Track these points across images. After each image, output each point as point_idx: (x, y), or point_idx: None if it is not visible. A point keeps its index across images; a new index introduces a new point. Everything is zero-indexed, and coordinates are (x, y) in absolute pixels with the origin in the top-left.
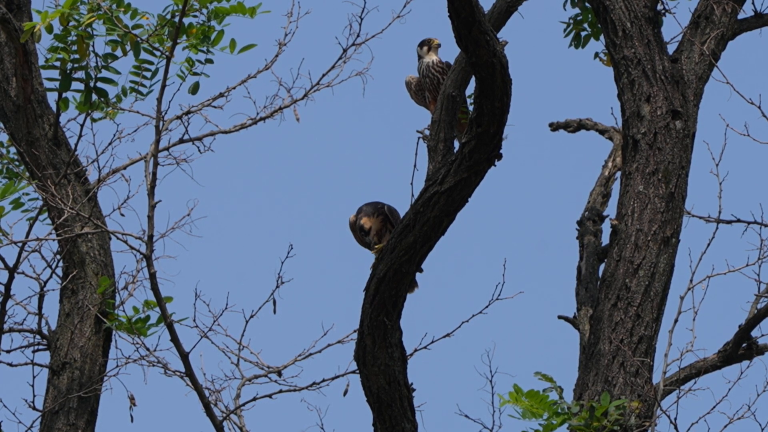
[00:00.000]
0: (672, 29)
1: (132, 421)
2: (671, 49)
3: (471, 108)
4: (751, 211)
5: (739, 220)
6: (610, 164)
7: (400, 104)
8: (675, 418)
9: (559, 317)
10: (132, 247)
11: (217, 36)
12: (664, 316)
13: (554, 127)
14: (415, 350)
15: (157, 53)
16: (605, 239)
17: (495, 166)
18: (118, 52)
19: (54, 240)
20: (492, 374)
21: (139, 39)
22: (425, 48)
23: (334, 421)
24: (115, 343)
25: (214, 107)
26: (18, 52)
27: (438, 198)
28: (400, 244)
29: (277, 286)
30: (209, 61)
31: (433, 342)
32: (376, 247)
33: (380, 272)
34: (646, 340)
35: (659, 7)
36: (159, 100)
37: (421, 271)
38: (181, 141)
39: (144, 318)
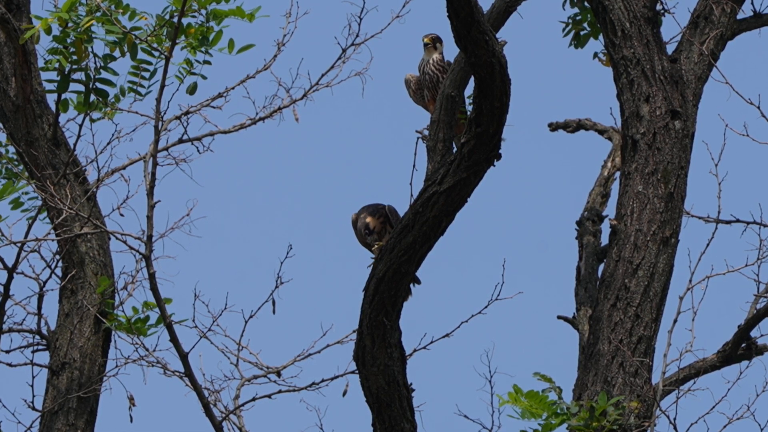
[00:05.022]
0: (671, 29)
1: (131, 421)
2: (670, 49)
3: (470, 108)
4: (751, 211)
5: (738, 221)
6: (609, 164)
7: (400, 104)
8: (674, 419)
9: (559, 317)
10: (131, 248)
11: (215, 36)
12: (663, 316)
13: (553, 127)
14: (415, 350)
15: (156, 53)
16: (604, 239)
17: (494, 166)
18: (116, 53)
19: (53, 240)
20: (491, 374)
21: (137, 40)
22: (436, 45)
23: (334, 422)
24: (115, 344)
25: (213, 107)
26: (17, 53)
27: (437, 198)
28: (399, 244)
29: (277, 287)
30: (207, 62)
31: (432, 342)
32: (376, 246)
33: (379, 272)
34: (646, 341)
35: (658, 7)
36: (158, 101)
37: (419, 282)
38: (180, 141)
39: (143, 318)
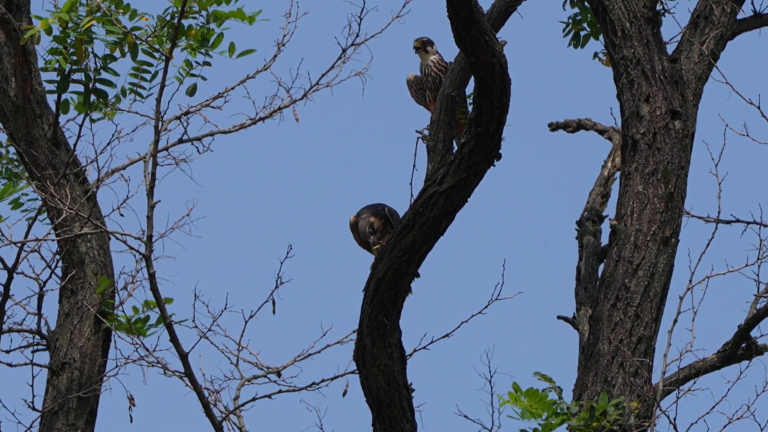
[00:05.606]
0: (671, 29)
1: (131, 421)
2: (670, 49)
3: (470, 108)
4: (751, 211)
5: (738, 221)
6: (609, 164)
7: (400, 104)
8: (674, 419)
9: (559, 317)
10: (131, 248)
11: (216, 39)
12: (663, 316)
13: (553, 127)
14: (415, 350)
15: (157, 55)
16: (604, 239)
17: (494, 166)
18: (117, 53)
19: (53, 240)
20: (491, 374)
21: (138, 40)
22: (426, 48)
23: (334, 422)
24: (115, 344)
25: (213, 107)
26: (17, 53)
27: (437, 198)
28: (399, 244)
29: (277, 287)
30: (207, 63)
31: (432, 342)
32: (376, 246)
33: (379, 272)
34: (646, 341)
35: (658, 7)
36: (158, 101)
37: (418, 275)
38: (180, 141)
39: (143, 318)
